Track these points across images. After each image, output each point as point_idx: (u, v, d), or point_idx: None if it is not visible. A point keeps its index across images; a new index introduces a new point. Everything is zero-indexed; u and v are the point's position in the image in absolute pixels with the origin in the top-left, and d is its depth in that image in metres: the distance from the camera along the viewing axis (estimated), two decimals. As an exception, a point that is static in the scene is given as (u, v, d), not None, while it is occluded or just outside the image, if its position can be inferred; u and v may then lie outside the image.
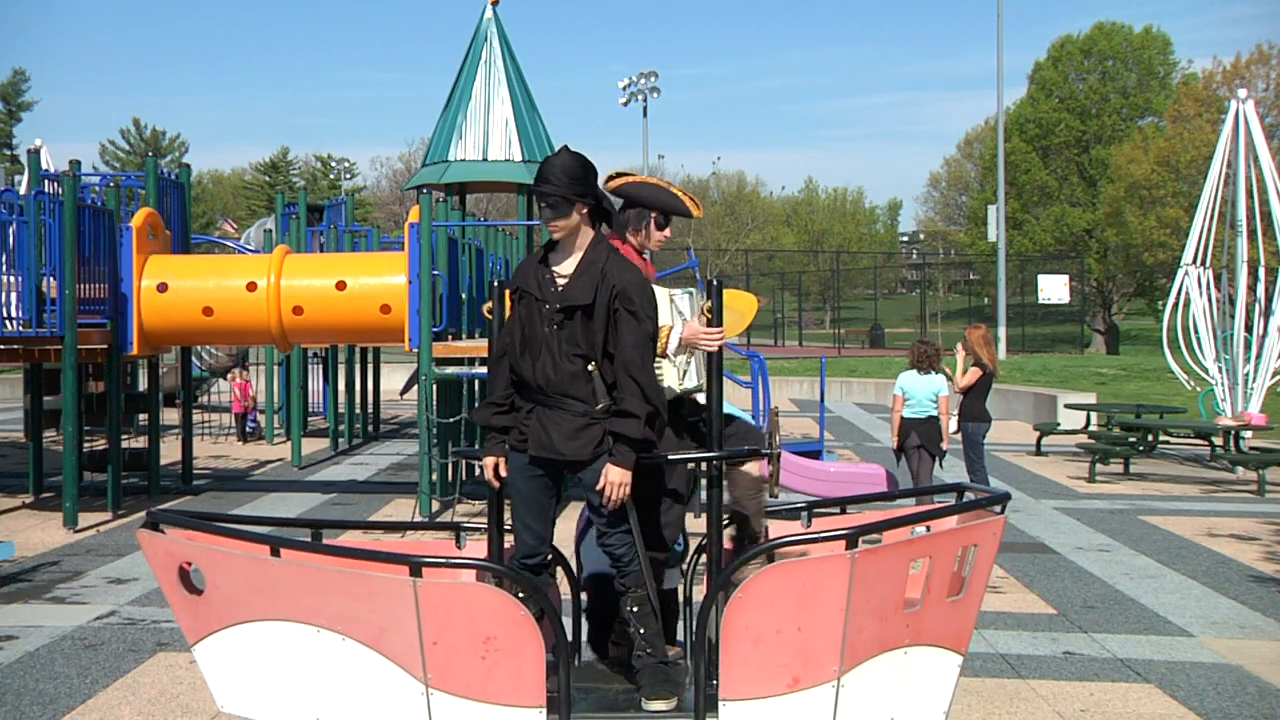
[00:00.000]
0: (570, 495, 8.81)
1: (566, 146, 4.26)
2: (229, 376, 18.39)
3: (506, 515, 4.34)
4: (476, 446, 4.95)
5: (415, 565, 3.84)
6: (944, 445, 10.06)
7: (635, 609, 4.17)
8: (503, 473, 4.20)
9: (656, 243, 4.81)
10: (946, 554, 3.95)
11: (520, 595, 3.92)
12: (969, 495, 4.41)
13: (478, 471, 13.90)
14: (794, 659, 3.76)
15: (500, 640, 3.75)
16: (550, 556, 4.38)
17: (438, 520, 10.42)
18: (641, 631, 4.16)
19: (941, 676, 4.03)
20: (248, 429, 17.71)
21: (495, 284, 4.32)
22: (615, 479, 3.98)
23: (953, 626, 4.04)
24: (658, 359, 4.33)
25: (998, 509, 4.13)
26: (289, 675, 3.96)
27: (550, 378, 4.06)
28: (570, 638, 4.42)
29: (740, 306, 14.45)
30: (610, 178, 4.57)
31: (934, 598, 3.95)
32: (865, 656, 3.82)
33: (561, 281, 4.14)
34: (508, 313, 4.29)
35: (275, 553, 3.96)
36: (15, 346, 10.90)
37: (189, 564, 4.08)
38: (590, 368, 4.06)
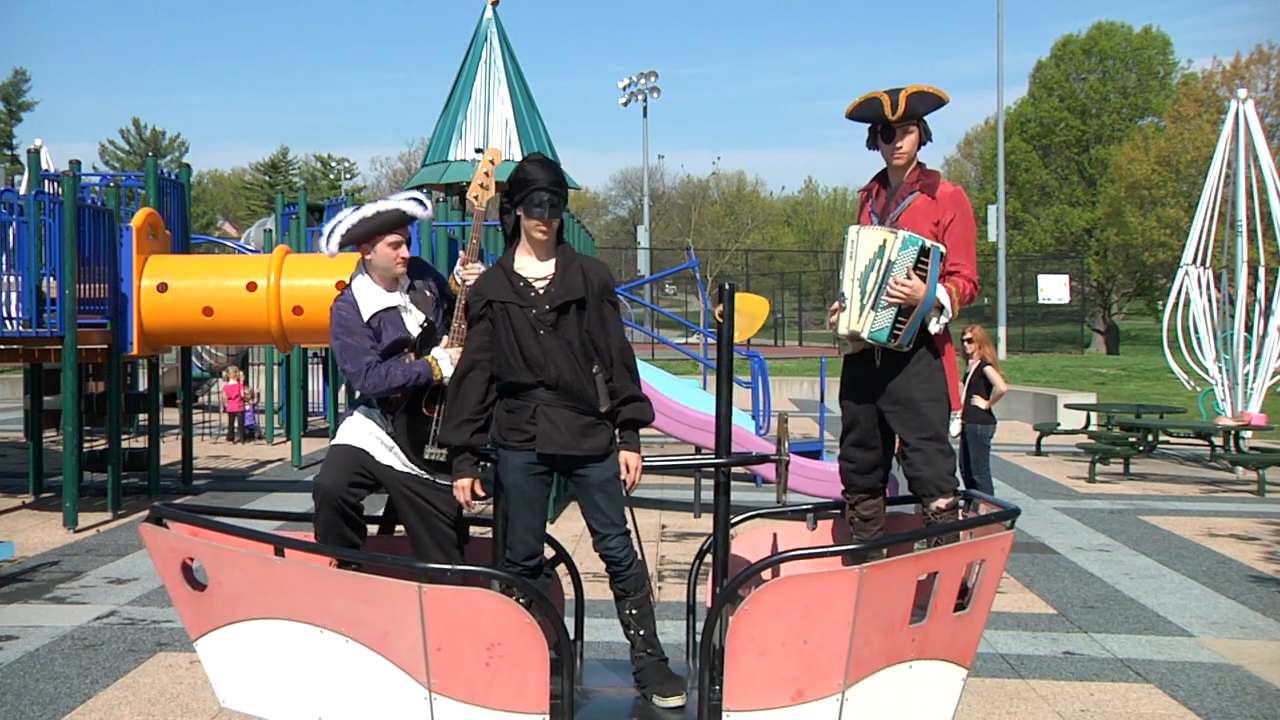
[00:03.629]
0: (570, 494, 8.78)
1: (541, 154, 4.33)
2: (223, 376, 18.37)
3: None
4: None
5: (420, 572, 3.84)
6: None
7: (634, 611, 4.17)
8: (479, 493, 4.15)
9: (888, 155, 4.80)
10: (954, 569, 3.92)
11: (523, 601, 3.92)
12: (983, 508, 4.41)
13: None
14: (799, 671, 3.72)
15: (504, 647, 3.72)
16: (549, 555, 4.39)
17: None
18: (641, 634, 4.17)
19: (946, 690, 4.01)
20: (246, 428, 17.70)
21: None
22: (635, 463, 4.17)
23: (959, 641, 4.00)
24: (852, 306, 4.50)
25: (1007, 524, 4.11)
26: (292, 674, 3.93)
27: (564, 378, 4.07)
28: (572, 636, 4.41)
29: (750, 309, 14.43)
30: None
31: (940, 612, 3.91)
32: (870, 670, 3.78)
33: (540, 284, 4.13)
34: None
35: (279, 552, 3.95)
36: (15, 346, 10.89)
37: (191, 560, 4.05)
38: (595, 370, 4.12)
